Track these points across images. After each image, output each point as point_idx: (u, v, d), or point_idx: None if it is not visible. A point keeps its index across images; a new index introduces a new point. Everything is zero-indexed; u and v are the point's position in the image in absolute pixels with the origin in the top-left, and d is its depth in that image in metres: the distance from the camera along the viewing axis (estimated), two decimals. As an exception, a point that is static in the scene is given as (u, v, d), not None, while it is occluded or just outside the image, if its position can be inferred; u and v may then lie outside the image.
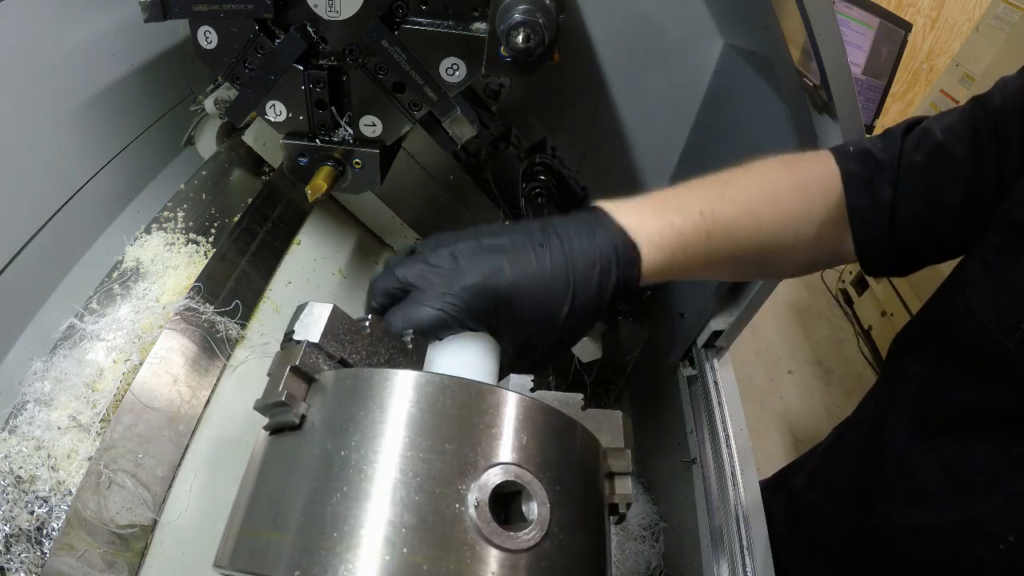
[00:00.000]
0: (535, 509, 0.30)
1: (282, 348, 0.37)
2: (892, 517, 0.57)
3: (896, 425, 0.57)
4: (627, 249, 0.44)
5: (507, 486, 0.30)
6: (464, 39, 0.54)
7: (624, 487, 0.37)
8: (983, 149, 0.48)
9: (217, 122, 0.84)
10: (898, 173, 0.50)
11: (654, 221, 0.46)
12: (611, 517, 0.37)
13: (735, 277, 0.53)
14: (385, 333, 0.41)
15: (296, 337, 0.37)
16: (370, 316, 0.41)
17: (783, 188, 0.51)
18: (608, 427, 0.38)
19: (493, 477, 0.30)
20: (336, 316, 0.38)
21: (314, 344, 0.36)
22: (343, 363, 0.38)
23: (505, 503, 0.31)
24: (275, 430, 0.33)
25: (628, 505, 0.38)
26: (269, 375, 0.35)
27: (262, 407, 0.33)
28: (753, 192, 0.50)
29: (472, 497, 0.29)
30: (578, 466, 0.34)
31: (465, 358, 0.42)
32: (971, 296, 0.49)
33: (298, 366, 0.33)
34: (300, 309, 0.39)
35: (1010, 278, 0.47)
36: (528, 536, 0.29)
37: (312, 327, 0.37)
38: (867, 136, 0.58)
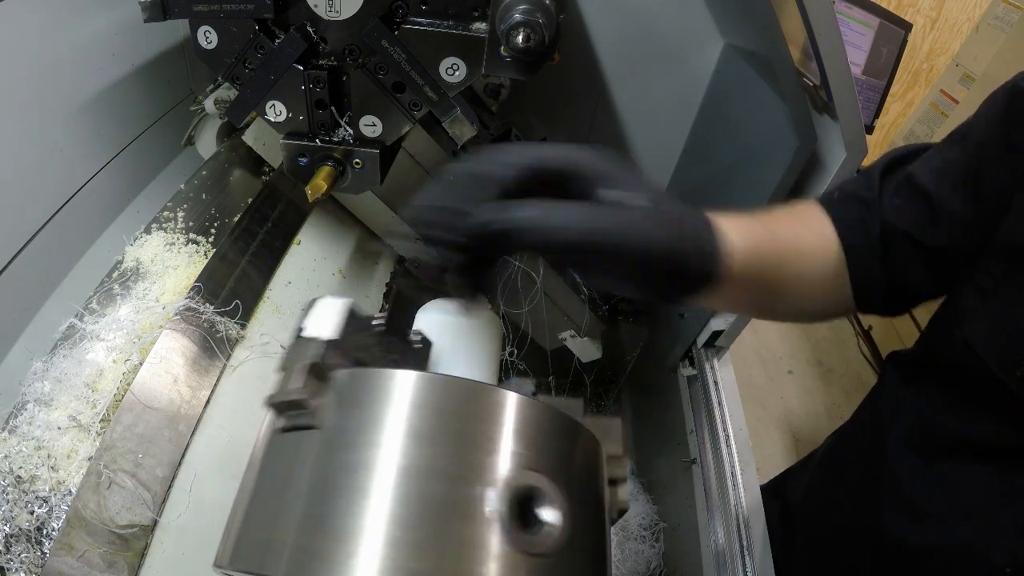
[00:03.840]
0: (553, 512, 0.30)
1: (294, 343, 0.36)
2: (888, 533, 0.56)
3: (897, 442, 0.57)
4: (700, 216, 0.38)
5: (522, 490, 0.30)
6: (464, 39, 0.54)
7: (623, 494, 0.37)
8: (958, 184, 0.48)
9: (217, 122, 0.84)
10: (881, 212, 0.50)
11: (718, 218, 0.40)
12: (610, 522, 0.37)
13: (774, 306, 0.51)
14: (396, 332, 0.40)
15: (311, 333, 0.36)
16: (380, 313, 0.40)
17: (798, 229, 0.50)
18: (608, 434, 0.38)
19: (510, 481, 0.29)
20: (351, 313, 0.37)
21: (331, 341, 0.35)
22: (358, 362, 0.37)
23: (516, 508, 0.31)
24: (286, 429, 0.33)
25: (625, 511, 0.38)
26: (282, 370, 0.34)
27: (276, 404, 0.32)
28: (783, 221, 0.49)
29: (489, 500, 0.28)
30: (584, 468, 0.34)
31: (470, 347, 0.41)
32: (967, 329, 0.48)
33: (317, 363, 0.32)
34: (312, 304, 0.38)
35: (1009, 312, 0.45)
36: (547, 539, 0.29)
37: (327, 323, 0.36)
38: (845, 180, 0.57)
